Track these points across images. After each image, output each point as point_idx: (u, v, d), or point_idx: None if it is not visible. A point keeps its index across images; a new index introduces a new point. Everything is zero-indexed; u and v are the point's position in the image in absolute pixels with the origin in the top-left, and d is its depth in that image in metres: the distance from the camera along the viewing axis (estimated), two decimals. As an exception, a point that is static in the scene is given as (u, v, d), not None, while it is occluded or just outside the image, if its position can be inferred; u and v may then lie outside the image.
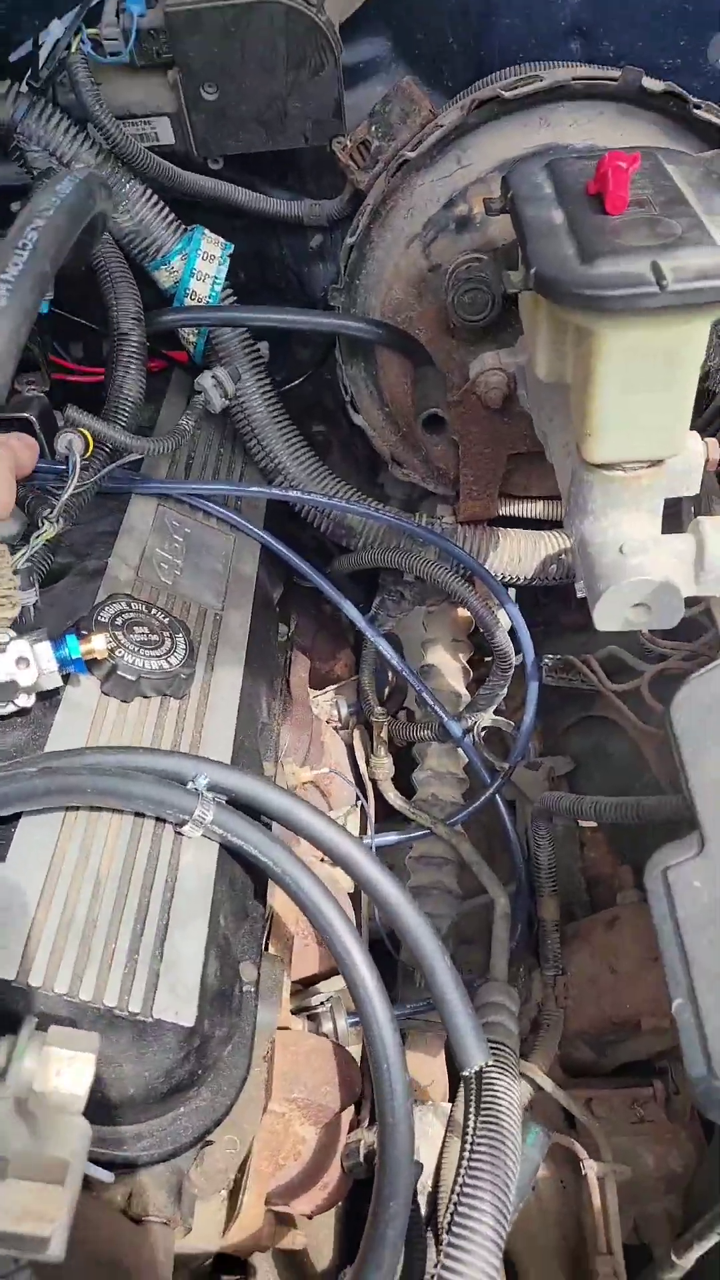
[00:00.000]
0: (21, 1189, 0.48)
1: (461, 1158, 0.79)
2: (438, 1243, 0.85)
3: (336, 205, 1.32)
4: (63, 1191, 0.49)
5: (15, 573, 0.87)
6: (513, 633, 1.28)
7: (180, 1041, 0.75)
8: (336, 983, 1.12)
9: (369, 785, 1.37)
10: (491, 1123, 0.80)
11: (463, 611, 1.51)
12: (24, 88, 1.12)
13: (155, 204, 1.24)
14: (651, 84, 1.07)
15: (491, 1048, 0.86)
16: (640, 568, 0.82)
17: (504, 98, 1.07)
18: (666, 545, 0.86)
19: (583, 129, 1.09)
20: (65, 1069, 0.53)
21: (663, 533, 0.88)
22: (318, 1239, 1.07)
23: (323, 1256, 1.14)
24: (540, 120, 1.09)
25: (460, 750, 1.39)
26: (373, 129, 1.19)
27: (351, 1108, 0.97)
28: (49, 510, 0.96)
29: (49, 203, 0.61)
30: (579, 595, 0.99)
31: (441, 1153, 0.99)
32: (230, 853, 0.91)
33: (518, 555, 1.32)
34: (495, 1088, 0.83)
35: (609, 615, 0.85)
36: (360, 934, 0.86)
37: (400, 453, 1.36)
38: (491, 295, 1.12)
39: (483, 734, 1.33)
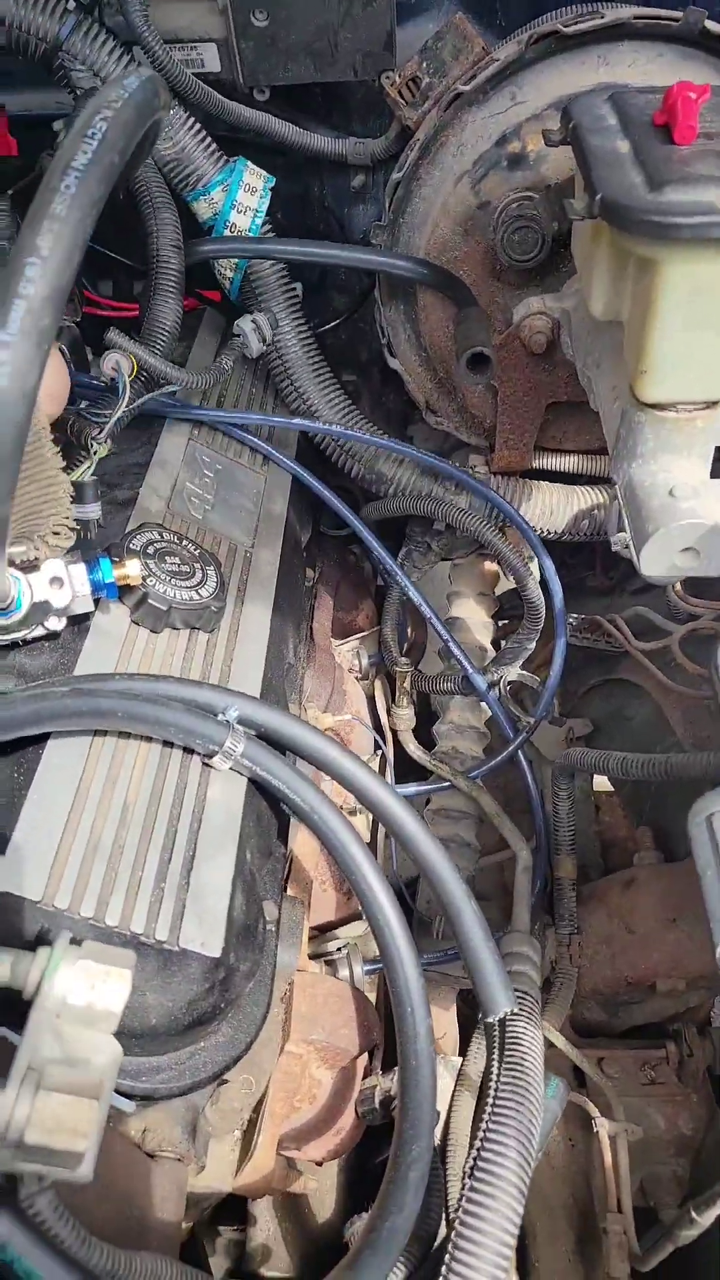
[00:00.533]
0: (54, 1101, 0.47)
1: (484, 1104, 0.78)
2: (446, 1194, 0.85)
3: (382, 144, 1.28)
4: (95, 1107, 0.48)
5: (76, 491, 0.86)
6: (543, 585, 1.25)
7: (205, 972, 0.74)
8: (353, 929, 1.10)
9: (389, 735, 1.36)
10: (515, 1069, 0.79)
11: (490, 565, 1.49)
12: (71, 4, 1.08)
13: (198, 133, 1.20)
14: (714, 26, 1.03)
15: (516, 996, 0.85)
16: (692, 511, 0.80)
17: (563, 33, 1.03)
18: (718, 490, 0.83)
19: (641, 70, 1.05)
20: (100, 984, 0.51)
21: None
22: (321, 1187, 1.07)
23: (324, 1205, 1.13)
24: (599, 59, 1.06)
25: (482, 705, 1.37)
26: (423, 65, 1.15)
27: (366, 1055, 0.96)
28: (98, 431, 0.94)
29: (117, 95, 0.58)
30: (613, 550, 0.96)
31: (451, 1106, 0.99)
32: (257, 789, 0.89)
33: (550, 508, 1.29)
34: (519, 1035, 0.82)
35: (656, 559, 0.82)
36: (384, 878, 0.85)
37: (435, 400, 1.33)
38: (541, 234, 1.08)
39: (508, 688, 1.32)
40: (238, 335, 1.23)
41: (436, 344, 1.25)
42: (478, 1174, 0.72)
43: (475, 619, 1.45)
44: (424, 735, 1.39)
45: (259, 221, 1.25)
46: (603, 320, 0.88)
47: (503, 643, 1.45)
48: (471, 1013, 1.25)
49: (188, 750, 0.85)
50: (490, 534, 1.25)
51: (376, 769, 1.35)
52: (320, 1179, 1.04)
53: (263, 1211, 1.07)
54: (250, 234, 1.25)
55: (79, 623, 0.88)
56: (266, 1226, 1.11)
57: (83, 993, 0.51)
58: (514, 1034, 0.82)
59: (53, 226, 0.53)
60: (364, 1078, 0.96)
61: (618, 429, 0.88)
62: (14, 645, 0.86)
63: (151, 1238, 0.72)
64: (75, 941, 0.53)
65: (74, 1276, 0.51)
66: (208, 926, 0.74)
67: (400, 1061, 0.80)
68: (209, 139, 1.22)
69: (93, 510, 0.91)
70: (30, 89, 1.48)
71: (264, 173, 1.25)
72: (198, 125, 1.20)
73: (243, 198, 1.23)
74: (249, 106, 1.26)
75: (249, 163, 1.24)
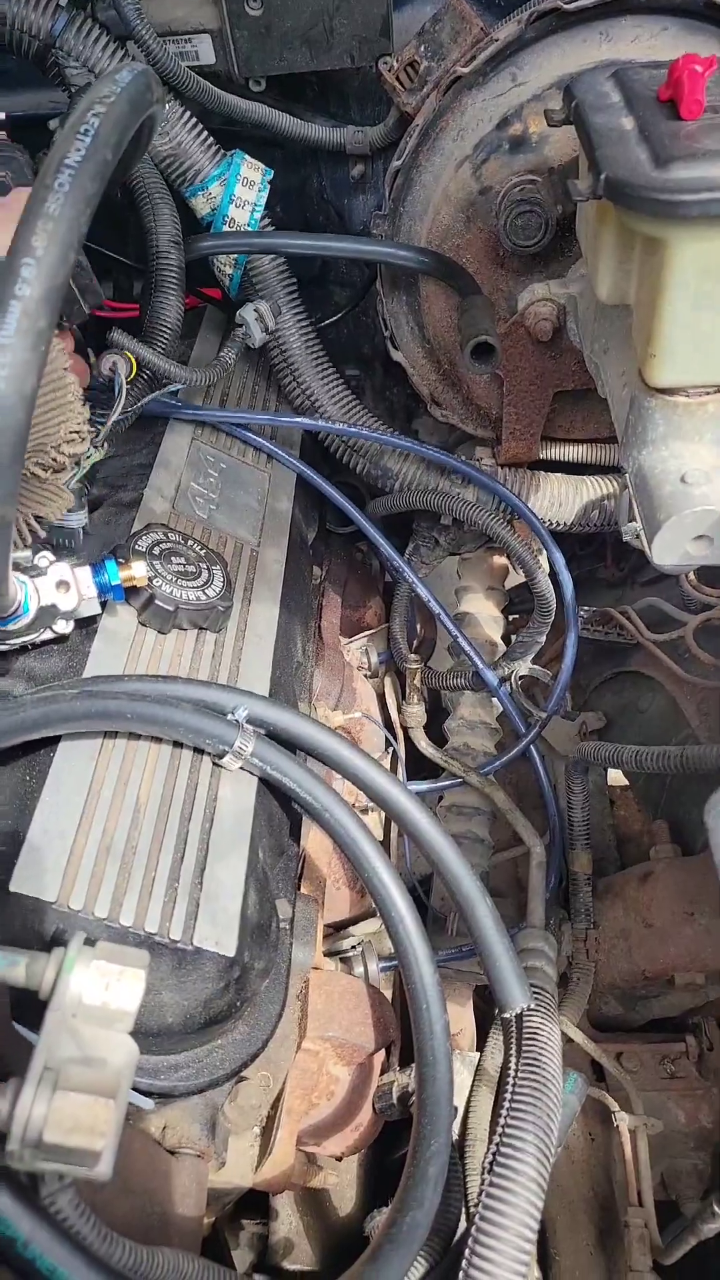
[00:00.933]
0: (71, 1101, 0.46)
1: (502, 1099, 0.77)
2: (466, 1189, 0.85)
3: (380, 131, 1.27)
4: (112, 1106, 0.47)
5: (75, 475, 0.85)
6: (553, 578, 1.24)
7: (220, 971, 0.73)
8: (367, 926, 1.10)
9: (400, 732, 1.35)
10: (533, 1064, 0.78)
11: (499, 559, 1.48)
12: (63, 0, 1.07)
13: (194, 127, 1.20)
14: (719, -2, 1.02)
15: (532, 992, 0.84)
16: (705, 498, 0.79)
17: (564, 10, 1.02)
18: (730, 477, 0.82)
19: (645, 45, 1.04)
20: (115, 984, 0.51)
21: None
22: (341, 1182, 1.07)
23: (345, 1199, 1.13)
24: (601, 35, 1.04)
25: (493, 700, 1.36)
26: (421, 49, 1.14)
27: (383, 1051, 0.95)
28: (94, 434, 0.93)
29: (110, 90, 0.57)
30: (624, 539, 0.95)
31: (469, 1102, 0.98)
32: (268, 788, 0.89)
33: (558, 500, 1.28)
34: (537, 1030, 0.81)
35: (668, 548, 0.81)
36: (397, 875, 0.84)
37: (440, 392, 1.32)
38: (545, 218, 1.07)
39: (520, 683, 1.31)
40: (240, 325, 1.22)
41: (440, 335, 1.24)
42: (497, 1168, 0.71)
43: (485, 614, 1.44)
44: (434, 732, 1.39)
45: (257, 216, 1.24)
46: (609, 304, 0.87)
47: (513, 637, 1.45)
48: (488, 1009, 1.25)
49: (198, 751, 0.84)
50: (499, 527, 1.24)
51: (388, 767, 1.35)
52: (340, 1174, 1.04)
53: (284, 1206, 1.06)
54: (249, 228, 1.24)
55: (86, 625, 0.88)
56: (288, 1220, 1.11)
57: (98, 992, 0.50)
58: (531, 1029, 0.81)
59: (46, 226, 0.52)
60: (381, 1074, 0.95)
61: (627, 415, 0.87)
62: (22, 649, 0.86)
63: (173, 1233, 0.72)
64: (89, 942, 0.52)
65: (96, 1273, 0.51)
66: (222, 925, 0.74)
67: (417, 1057, 0.79)
68: (205, 133, 1.21)
69: (78, 518, 0.90)
70: (25, 89, 1.48)
71: (262, 165, 1.24)
72: (194, 119, 1.19)
73: (240, 192, 1.23)
74: (245, 98, 1.25)
75: (246, 156, 1.23)
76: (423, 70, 1.14)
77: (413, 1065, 0.96)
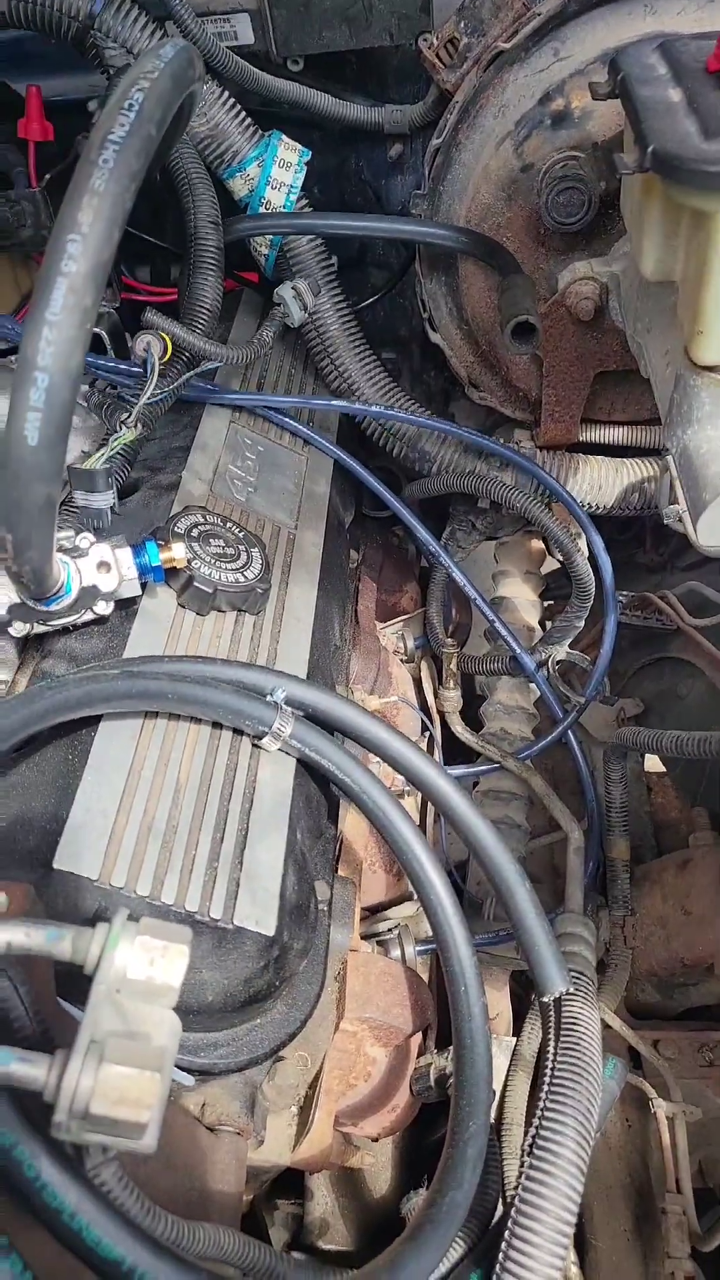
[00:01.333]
0: (117, 1073, 0.46)
1: (541, 1083, 0.77)
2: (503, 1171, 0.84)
3: (420, 110, 1.26)
4: (158, 1079, 0.47)
5: (88, 480, 0.85)
6: (592, 562, 1.23)
7: (260, 950, 0.73)
8: (404, 910, 1.10)
9: (436, 717, 1.35)
10: (573, 1049, 0.77)
11: (536, 544, 1.47)
12: (101, -22, 1.07)
13: (232, 107, 1.19)
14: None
15: (571, 976, 0.84)
16: (751, 477, 0.77)
17: (607, -18, 1.00)
18: (778, 456, 0.80)
19: (692, 16, 1.01)
20: (159, 959, 0.51)
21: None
22: (376, 1163, 1.07)
23: (380, 1181, 1.14)
24: (645, 8, 1.02)
25: (530, 685, 1.35)
26: (461, 25, 1.12)
27: (420, 1033, 0.95)
28: (126, 415, 0.93)
29: (153, 65, 0.57)
30: (665, 522, 0.94)
31: (505, 1086, 0.98)
32: (306, 770, 0.89)
33: (598, 483, 1.27)
34: (576, 1015, 0.81)
35: (713, 529, 0.80)
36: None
37: (478, 374, 1.31)
38: (588, 195, 1.05)
39: (557, 668, 1.30)
40: (278, 304, 1.21)
41: (479, 316, 1.23)
42: (537, 1152, 0.71)
43: (522, 598, 1.43)
44: (470, 717, 1.38)
45: (294, 197, 1.24)
46: (654, 281, 0.85)
47: (547, 623, 1.43)
48: (525, 993, 1.25)
49: (237, 732, 0.84)
50: (538, 511, 1.22)
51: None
52: (376, 1155, 1.04)
53: (320, 1186, 1.07)
54: (285, 209, 1.24)
55: (126, 607, 0.88)
56: (324, 1201, 1.11)
57: (142, 967, 0.50)
58: (570, 1013, 0.81)
59: (92, 201, 0.52)
60: (418, 1056, 0.96)
61: (671, 395, 0.85)
62: (63, 630, 0.86)
63: (213, 1209, 0.72)
64: (133, 918, 0.53)
65: (141, 1245, 0.51)
66: (261, 905, 0.74)
67: (455, 1040, 0.79)
68: (244, 114, 1.20)
69: (105, 499, 0.90)
70: (63, 73, 1.48)
71: (298, 146, 1.23)
72: (232, 100, 1.19)
73: (277, 173, 1.22)
74: (283, 78, 1.24)
75: (283, 137, 1.22)
76: (463, 47, 1.12)
77: (450, 1048, 0.96)
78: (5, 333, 1.14)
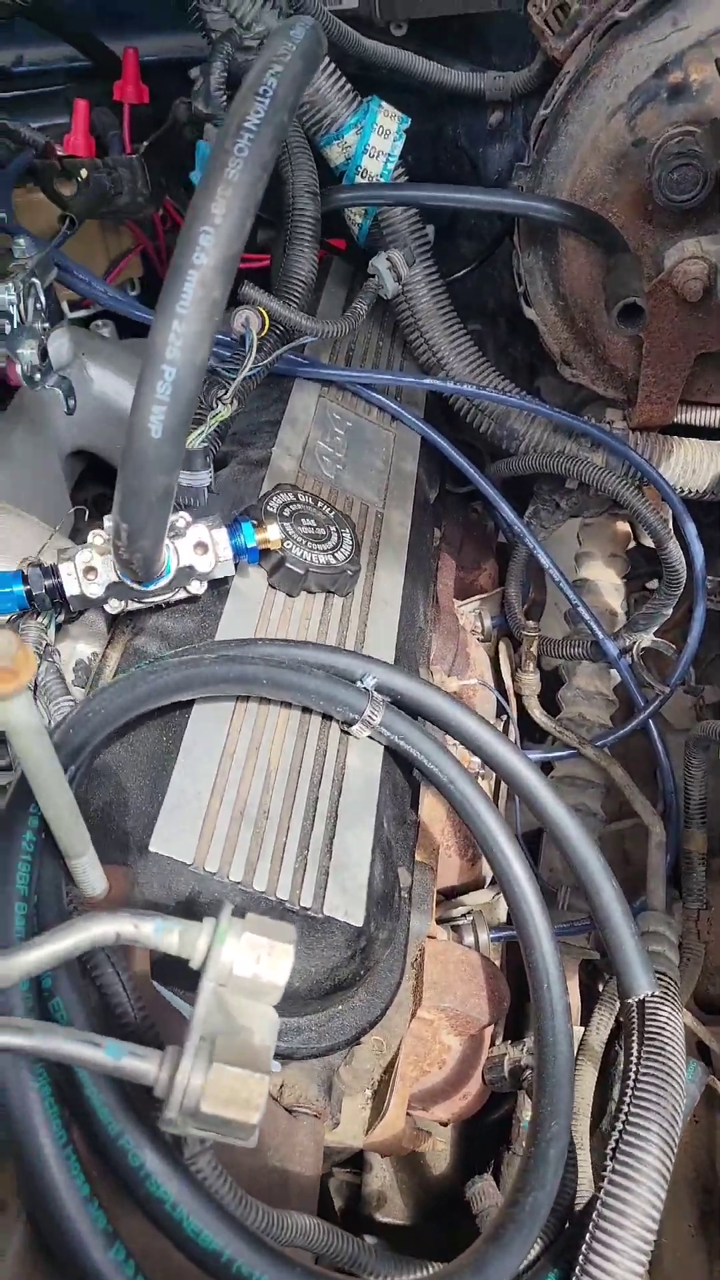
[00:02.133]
0: (226, 1073, 0.47)
1: (625, 1087, 0.76)
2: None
3: (524, 77, 1.22)
4: (265, 1081, 0.48)
5: (186, 459, 0.84)
6: (683, 547, 1.20)
7: (348, 940, 0.74)
8: (478, 897, 1.09)
9: (513, 700, 1.33)
10: (658, 1054, 0.76)
11: (622, 525, 1.44)
12: (207, -59, 1.05)
13: (333, 73, 1.16)
14: None
15: (656, 978, 0.82)
16: None
17: (734, -54, 0.95)
18: None
19: None
20: (264, 957, 0.51)
21: None
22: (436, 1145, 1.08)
23: (440, 1159, 1.15)
24: (773, -27, 0.97)
25: (610, 671, 1.33)
26: (573, -11, 1.08)
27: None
28: (223, 391, 0.92)
29: (285, 48, 0.55)
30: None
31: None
32: (392, 756, 0.88)
33: (692, 466, 1.23)
34: (661, 1019, 0.79)
35: None
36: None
37: (571, 351, 1.28)
38: (704, 172, 1.01)
39: (641, 655, 1.27)
40: (372, 275, 1.19)
41: (577, 292, 1.19)
42: (620, 1158, 0.70)
43: (605, 581, 1.40)
44: (546, 699, 1.36)
45: (391, 166, 1.21)
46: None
47: (623, 608, 1.40)
48: (591, 982, 1.24)
49: (325, 717, 0.84)
50: (629, 494, 1.19)
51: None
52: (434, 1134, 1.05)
53: (377, 1158, 1.08)
54: (382, 178, 1.21)
55: (218, 586, 0.88)
56: (382, 1174, 1.13)
57: (248, 964, 0.51)
58: (654, 1017, 0.80)
59: (226, 192, 0.51)
60: (490, 1044, 0.96)
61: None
62: (156, 607, 0.86)
63: (292, 1191, 0.73)
64: (237, 912, 0.53)
65: (238, 1237, 0.52)
66: (350, 895, 0.74)
67: (536, 1037, 0.79)
68: (343, 79, 1.17)
69: (203, 478, 0.89)
70: (156, 33, 1.46)
71: (398, 114, 1.20)
72: (333, 65, 1.16)
73: (375, 141, 1.19)
74: (385, 43, 1.21)
75: (383, 103, 1.19)
76: (573, 13, 1.08)
77: (524, 1039, 0.96)
78: (97, 295, 1.14)
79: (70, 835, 0.55)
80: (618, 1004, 1.02)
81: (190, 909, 0.68)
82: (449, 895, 1.12)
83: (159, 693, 0.71)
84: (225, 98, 1.08)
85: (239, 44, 1.07)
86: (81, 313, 1.36)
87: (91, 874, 0.58)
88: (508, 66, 1.27)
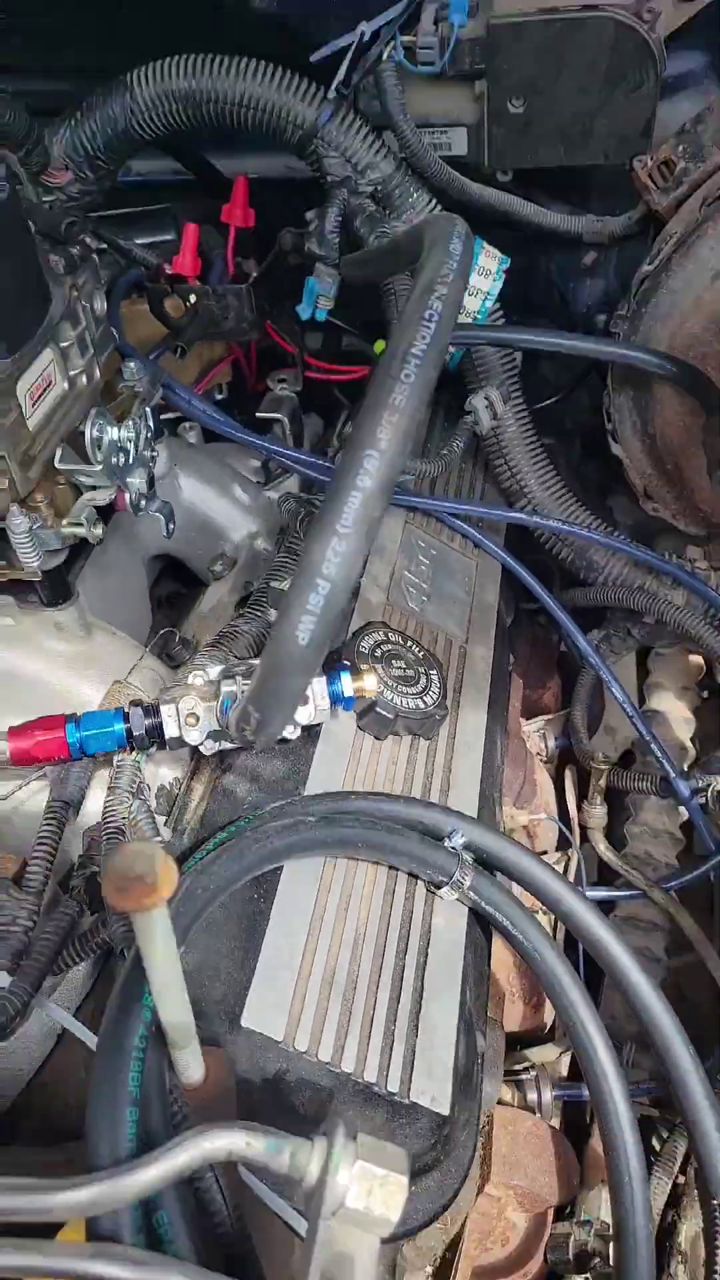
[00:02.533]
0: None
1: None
2: None
3: (622, 223, 1.24)
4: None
5: None
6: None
7: (433, 1129, 0.71)
8: (544, 1054, 1.06)
9: (576, 830, 1.31)
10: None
11: (695, 658, 1.42)
12: (332, 93, 1.08)
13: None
14: None
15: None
16: None
17: None
18: None
19: None
20: (377, 1189, 0.49)
21: None
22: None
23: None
24: None
25: (679, 808, 1.30)
26: (679, 149, 1.10)
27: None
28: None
29: (447, 267, 0.56)
30: None
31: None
32: (474, 914, 0.86)
33: (774, 610, 1.22)
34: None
35: None
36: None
37: (654, 486, 1.28)
38: None
39: (715, 796, 1.25)
40: (469, 413, 1.21)
41: (669, 436, 1.20)
42: None
43: (676, 714, 1.38)
44: (612, 828, 1.34)
45: (488, 304, 1.23)
46: None
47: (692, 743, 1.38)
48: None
49: (412, 875, 0.83)
50: (709, 635, 1.18)
51: (563, 866, 1.30)
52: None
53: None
54: (479, 316, 1.23)
55: (308, 730, 0.88)
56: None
57: (360, 1196, 0.49)
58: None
59: (391, 418, 0.51)
60: (555, 1219, 0.92)
61: None
62: (244, 747, 0.86)
63: None
64: (349, 1135, 0.51)
65: None
66: (437, 1079, 0.72)
67: (616, 1234, 0.76)
68: (448, 219, 1.20)
69: None
70: (254, 154, 1.50)
71: (499, 254, 1.22)
72: (439, 208, 1.19)
73: (476, 280, 1.21)
74: (489, 185, 1.24)
75: (485, 244, 1.22)
76: (678, 170, 1.10)
77: (591, 1221, 0.92)
78: (198, 416, 1.17)
79: (181, 1028, 0.54)
80: (675, 1165, 0.98)
81: (277, 1088, 0.67)
82: (510, 1043, 1.09)
83: (264, 860, 0.70)
84: (339, 240, 1.11)
85: (354, 189, 1.10)
86: (169, 415, 1.38)
87: (194, 1063, 0.57)
88: (605, 210, 1.29)
